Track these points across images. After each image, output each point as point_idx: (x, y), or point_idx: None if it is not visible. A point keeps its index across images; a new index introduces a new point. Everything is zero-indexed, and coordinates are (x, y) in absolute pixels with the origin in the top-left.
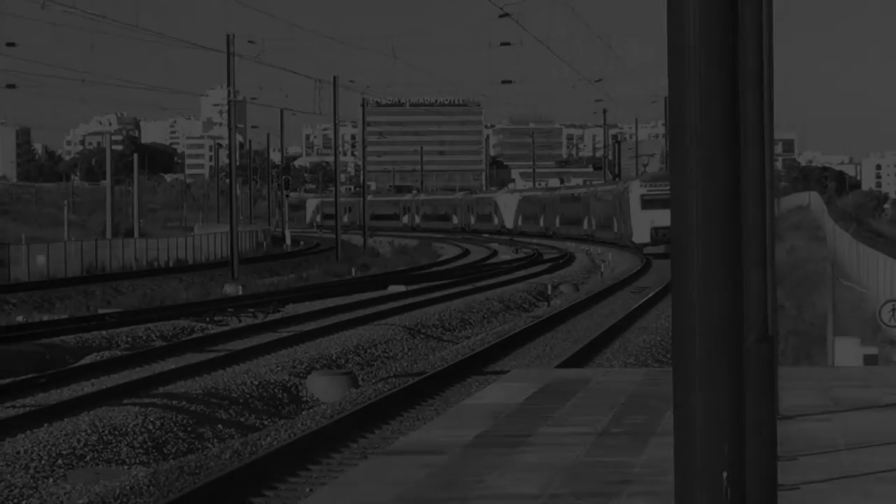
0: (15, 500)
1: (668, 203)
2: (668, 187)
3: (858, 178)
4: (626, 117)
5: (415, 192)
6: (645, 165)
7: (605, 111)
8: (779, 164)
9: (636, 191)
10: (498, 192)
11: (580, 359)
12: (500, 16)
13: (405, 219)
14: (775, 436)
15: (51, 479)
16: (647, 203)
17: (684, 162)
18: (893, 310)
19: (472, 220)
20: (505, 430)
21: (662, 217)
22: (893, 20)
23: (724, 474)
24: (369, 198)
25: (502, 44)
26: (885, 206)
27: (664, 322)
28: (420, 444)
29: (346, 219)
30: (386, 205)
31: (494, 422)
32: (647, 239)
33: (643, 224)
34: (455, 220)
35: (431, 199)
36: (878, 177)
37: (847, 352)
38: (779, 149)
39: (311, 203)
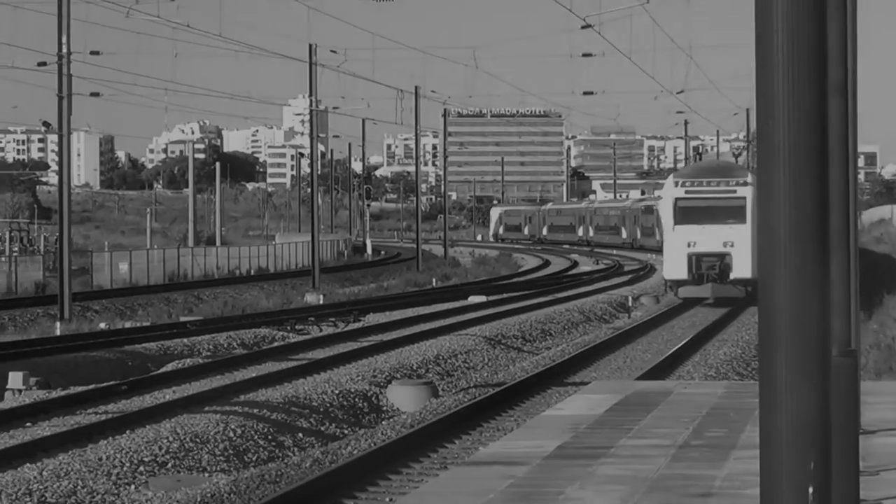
0: None
1: (716, 213)
2: (718, 186)
3: None
4: (707, 129)
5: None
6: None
7: (686, 123)
8: (861, 177)
9: (669, 192)
10: (662, 199)
11: (660, 371)
12: (582, 27)
13: (580, 231)
14: (858, 450)
15: (132, 486)
16: (685, 214)
17: (771, 176)
18: None
19: (639, 233)
20: (585, 442)
21: (708, 237)
22: None
23: (811, 489)
24: (549, 206)
25: (584, 55)
26: None
27: (744, 335)
28: (501, 455)
29: (526, 231)
30: (563, 215)
31: (575, 433)
32: (682, 274)
33: (677, 248)
34: (624, 233)
35: (604, 206)
36: None
37: None
38: (861, 162)
39: (495, 212)
